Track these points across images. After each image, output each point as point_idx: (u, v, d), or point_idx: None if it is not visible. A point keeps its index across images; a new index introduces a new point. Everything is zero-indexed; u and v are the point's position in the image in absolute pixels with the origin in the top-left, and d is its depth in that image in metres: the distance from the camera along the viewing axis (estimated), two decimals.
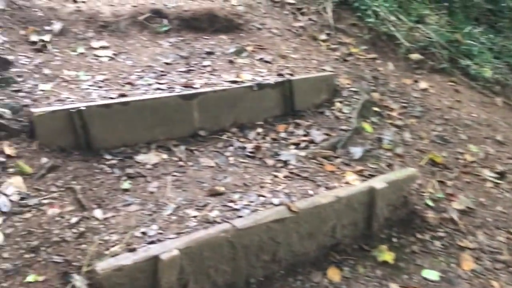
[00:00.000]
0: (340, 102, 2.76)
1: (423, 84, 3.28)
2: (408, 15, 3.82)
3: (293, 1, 3.66)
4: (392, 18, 3.70)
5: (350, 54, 3.32)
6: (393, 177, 2.14)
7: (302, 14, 3.59)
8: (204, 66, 2.74)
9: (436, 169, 2.51)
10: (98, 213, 1.74)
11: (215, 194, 1.92)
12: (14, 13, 2.65)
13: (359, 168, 2.27)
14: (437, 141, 2.75)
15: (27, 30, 2.59)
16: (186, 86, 2.45)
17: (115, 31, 2.86)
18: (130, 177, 1.97)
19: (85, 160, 2.00)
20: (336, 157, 2.33)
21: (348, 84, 2.91)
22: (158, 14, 3.04)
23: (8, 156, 1.85)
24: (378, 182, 2.06)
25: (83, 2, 2.95)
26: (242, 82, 2.59)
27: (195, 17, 3.12)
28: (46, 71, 2.33)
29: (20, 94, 2.10)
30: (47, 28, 2.68)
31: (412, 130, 2.76)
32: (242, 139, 2.37)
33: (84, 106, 2.00)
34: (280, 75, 2.74)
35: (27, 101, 2.07)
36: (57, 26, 2.71)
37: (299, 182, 2.07)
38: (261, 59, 2.92)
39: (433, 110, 3.04)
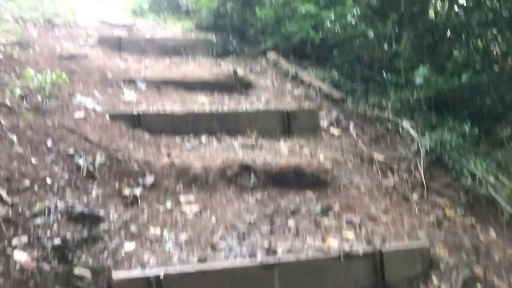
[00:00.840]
0: (437, 276, 2.48)
1: None
2: (510, 176, 3.56)
3: (382, 158, 3.58)
4: (491, 179, 3.45)
5: (445, 218, 3.07)
6: None
7: (392, 171, 3.47)
8: (288, 227, 2.64)
9: None
10: None
11: None
12: (112, 166, 2.80)
13: None
14: None
15: (122, 183, 2.71)
16: (269, 251, 2.34)
17: (203, 185, 2.91)
18: None
19: None
20: None
21: (446, 254, 2.64)
22: (246, 169, 3.08)
23: None
24: None
25: (177, 156, 3.08)
26: (328, 248, 2.44)
27: (282, 173, 3.11)
28: (133, 228, 2.36)
29: (104, 253, 2.11)
30: (140, 181, 2.78)
31: None
32: None
33: (163, 274, 1.95)
34: (369, 242, 2.55)
35: (109, 262, 2.06)
36: (149, 179, 2.81)
37: None
38: (348, 221, 2.77)
39: None
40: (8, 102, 3.00)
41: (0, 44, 3.75)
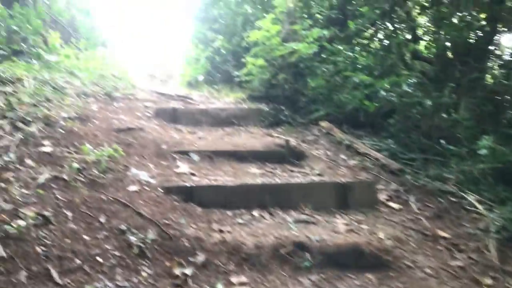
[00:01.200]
0: None
1: None
2: None
3: (448, 235, 3.32)
4: None
5: None
6: None
7: (459, 251, 3.19)
8: None
9: None
10: None
11: None
12: (164, 243, 2.73)
13: None
14: None
15: (172, 262, 2.62)
16: None
17: (255, 265, 2.77)
18: None
19: None
20: None
21: None
22: (300, 247, 2.92)
23: None
24: None
25: (229, 232, 2.98)
26: None
27: (339, 252, 2.93)
28: None
29: None
30: (191, 259, 2.68)
31: None
32: None
33: None
34: None
35: None
36: (200, 258, 2.71)
37: None
38: None
39: None
40: (65, 176, 3.05)
41: (62, 118, 3.89)
